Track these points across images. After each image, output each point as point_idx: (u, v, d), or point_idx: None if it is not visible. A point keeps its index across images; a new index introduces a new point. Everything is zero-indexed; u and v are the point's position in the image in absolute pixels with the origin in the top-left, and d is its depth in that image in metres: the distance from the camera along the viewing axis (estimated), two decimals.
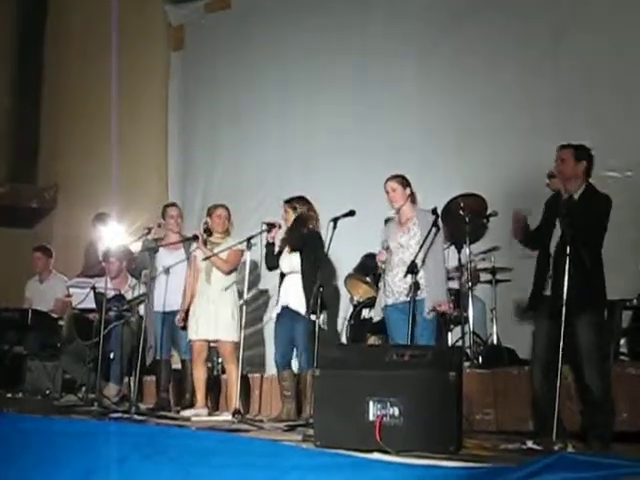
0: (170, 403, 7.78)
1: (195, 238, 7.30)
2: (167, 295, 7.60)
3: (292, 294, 6.94)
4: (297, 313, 6.85)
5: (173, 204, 8.30)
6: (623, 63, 7.57)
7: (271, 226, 6.96)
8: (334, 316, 8.59)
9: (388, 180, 6.36)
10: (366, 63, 9.30)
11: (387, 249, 6.30)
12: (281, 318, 7.06)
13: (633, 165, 7.34)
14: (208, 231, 7.36)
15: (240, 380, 6.89)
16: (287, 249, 7.05)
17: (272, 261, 7.10)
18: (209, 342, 7.32)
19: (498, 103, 8.27)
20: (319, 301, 6.22)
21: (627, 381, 5.71)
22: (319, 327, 6.25)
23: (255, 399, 7.91)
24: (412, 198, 6.38)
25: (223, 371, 7.89)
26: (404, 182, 6.33)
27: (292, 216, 7.06)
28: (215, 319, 7.16)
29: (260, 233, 6.92)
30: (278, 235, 7.08)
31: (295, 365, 7.22)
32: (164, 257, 7.67)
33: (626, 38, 7.60)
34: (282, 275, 7.15)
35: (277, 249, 7.10)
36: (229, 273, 7.25)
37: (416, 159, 8.31)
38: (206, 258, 7.17)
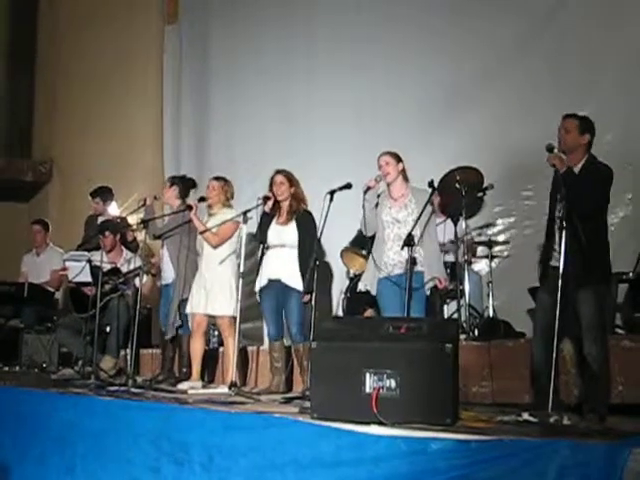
0: (174, 375, 7.78)
1: (189, 208, 7.28)
2: (162, 268, 7.61)
3: (282, 267, 6.90)
4: (289, 287, 6.83)
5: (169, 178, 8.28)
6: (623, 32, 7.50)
7: (266, 199, 6.95)
8: (327, 290, 8.58)
9: (382, 155, 6.40)
10: (364, 35, 9.21)
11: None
12: (268, 290, 6.99)
13: (631, 136, 7.29)
14: (205, 201, 7.35)
15: (237, 353, 6.88)
16: (276, 221, 7.02)
17: (264, 234, 7.04)
18: (207, 315, 7.31)
19: (495, 73, 8.20)
20: (315, 276, 6.22)
21: (622, 354, 5.71)
22: (315, 301, 6.26)
23: (252, 371, 7.91)
24: (404, 175, 6.42)
25: (221, 344, 7.89)
26: (397, 157, 6.38)
27: (286, 186, 7.03)
28: (208, 293, 7.12)
29: (256, 207, 6.90)
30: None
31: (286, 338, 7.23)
32: None
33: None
34: (266, 248, 7.08)
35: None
36: (217, 247, 7.17)
37: (413, 132, 8.27)
38: (201, 232, 7.16)
